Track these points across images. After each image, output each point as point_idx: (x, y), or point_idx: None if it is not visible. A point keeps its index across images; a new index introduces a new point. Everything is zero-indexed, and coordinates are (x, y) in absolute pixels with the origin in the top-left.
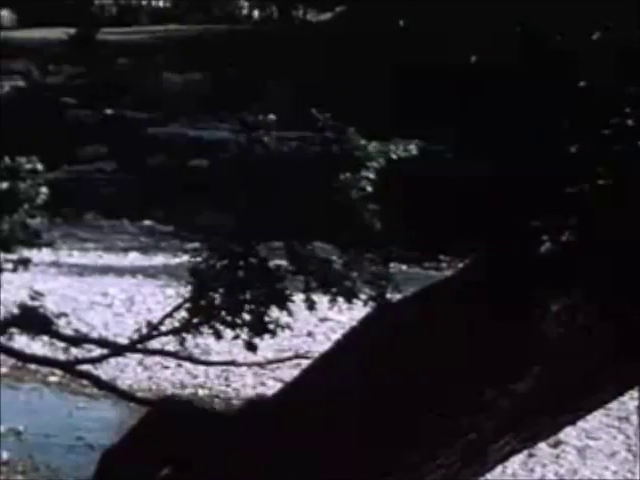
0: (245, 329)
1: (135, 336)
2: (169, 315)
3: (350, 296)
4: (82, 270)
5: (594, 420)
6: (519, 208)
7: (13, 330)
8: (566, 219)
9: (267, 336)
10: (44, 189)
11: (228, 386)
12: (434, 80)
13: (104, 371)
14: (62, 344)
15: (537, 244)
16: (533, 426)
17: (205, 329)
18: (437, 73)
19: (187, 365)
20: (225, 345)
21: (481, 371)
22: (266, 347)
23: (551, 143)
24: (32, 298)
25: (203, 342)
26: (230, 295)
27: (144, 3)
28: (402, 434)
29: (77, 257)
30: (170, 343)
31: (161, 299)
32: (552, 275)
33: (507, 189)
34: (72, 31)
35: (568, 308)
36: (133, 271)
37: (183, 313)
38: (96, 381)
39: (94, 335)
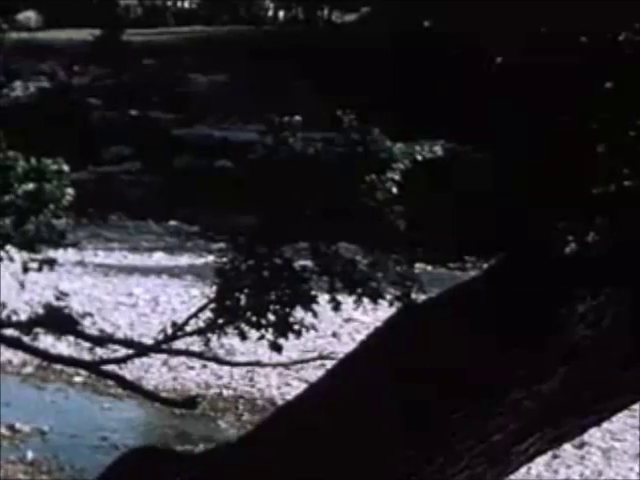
0: (270, 329)
1: (160, 336)
2: (194, 315)
3: (375, 297)
4: (107, 270)
5: (619, 421)
6: (546, 209)
7: (38, 330)
8: (592, 220)
9: (292, 336)
10: (70, 190)
11: (253, 386)
12: (462, 81)
13: (129, 371)
14: (87, 344)
15: (563, 245)
16: (558, 427)
17: (230, 329)
18: (465, 73)
19: (212, 365)
20: (250, 345)
21: (507, 372)
22: (291, 347)
23: (578, 143)
24: (57, 298)
25: (228, 342)
26: (255, 296)
27: (169, 4)
28: (428, 435)
29: (102, 257)
30: (195, 343)
31: (186, 299)
32: (578, 276)
33: (533, 190)
34: (98, 32)
35: (594, 309)
36: (158, 271)
37: (208, 313)
38: (121, 381)
39: (119, 335)
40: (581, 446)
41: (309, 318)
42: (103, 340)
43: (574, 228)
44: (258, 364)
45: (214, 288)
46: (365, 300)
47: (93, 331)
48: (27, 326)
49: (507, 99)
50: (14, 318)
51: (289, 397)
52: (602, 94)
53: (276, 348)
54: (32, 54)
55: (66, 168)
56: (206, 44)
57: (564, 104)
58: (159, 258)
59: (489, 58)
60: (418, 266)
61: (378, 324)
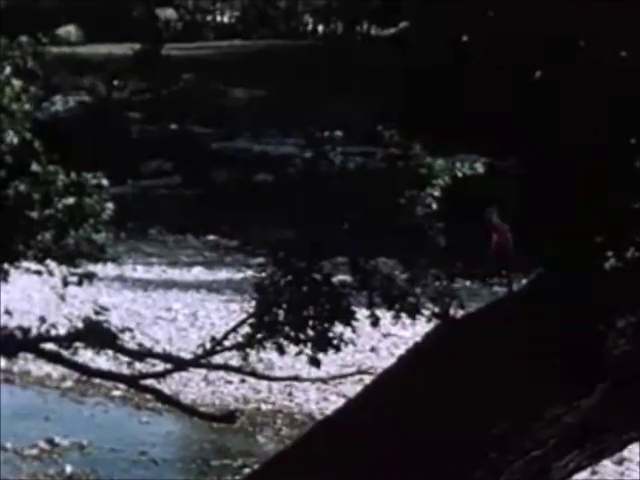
0: (309, 344)
1: (199, 351)
2: (233, 330)
3: (414, 312)
4: (146, 285)
5: None
6: (585, 224)
7: (78, 344)
8: (631, 235)
9: (331, 351)
10: (109, 204)
11: (291, 401)
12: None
13: (167, 386)
14: (126, 359)
15: (602, 260)
16: (598, 443)
17: (269, 344)
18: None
19: (250, 380)
20: (288, 360)
21: (546, 387)
22: (329, 362)
23: (617, 158)
24: (97, 312)
25: (266, 357)
26: (294, 311)
27: (209, 19)
28: (467, 450)
29: (141, 272)
30: (233, 358)
31: (225, 314)
32: (617, 291)
33: (572, 205)
34: (137, 46)
35: (633, 324)
36: (197, 286)
37: (247, 328)
38: (160, 396)
39: (158, 350)
40: (621, 462)
41: (348, 333)
42: (142, 354)
43: (613, 243)
44: (297, 379)
45: (253, 303)
46: (403, 315)
47: (132, 345)
48: (66, 340)
49: (547, 113)
50: (53, 332)
51: (328, 412)
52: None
53: (315, 363)
54: (72, 68)
55: (106, 182)
56: (245, 58)
57: (604, 119)
58: (198, 273)
59: (530, 72)
60: (457, 281)
61: (417, 339)
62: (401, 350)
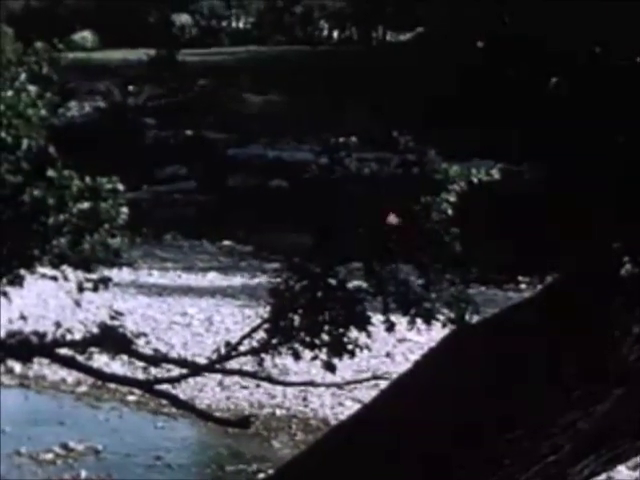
0: (324, 349)
1: (214, 356)
2: (248, 335)
3: (429, 317)
4: (161, 290)
5: None
6: (601, 230)
7: (93, 349)
8: None
9: (346, 357)
10: (125, 209)
11: (306, 406)
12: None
13: (183, 391)
14: (141, 364)
15: (618, 266)
16: (613, 448)
17: (284, 349)
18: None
19: (265, 385)
20: (303, 365)
21: (561, 393)
22: (344, 368)
23: (634, 167)
24: (112, 317)
25: (281, 362)
26: (309, 316)
27: (224, 24)
28: (482, 456)
29: (157, 277)
30: (248, 363)
31: (240, 319)
32: (633, 297)
33: (589, 211)
34: (153, 52)
35: None
36: (212, 291)
37: (262, 333)
38: (175, 401)
39: (173, 355)
40: (636, 468)
41: (363, 338)
42: (157, 359)
43: (630, 248)
44: (312, 384)
45: (268, 308)
46: (419, 320)
47: (147, 350)
48: (81, 345)
49: (565, 119)
50: (69, 337)
51: (342, 417)
52: None
53: (330, 368)
54: (88, 74)
55: (121, 187)
56: (260, 64)
57: (622, 124)
58: (213, 278)
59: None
60: (472, 286)
61: (432, 344)
62: (416, 355)
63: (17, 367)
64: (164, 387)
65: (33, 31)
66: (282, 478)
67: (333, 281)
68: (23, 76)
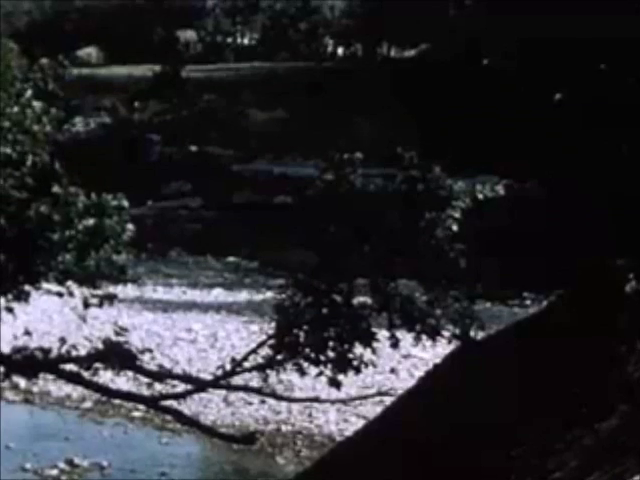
0: (329, 366)
1: (219, 372)
2: (253, 351)
3: (434, 334)
4: (166, 306)
5: None
6: (605, 247)
7: (98, 365)
8: None
9: (351, 373)
10: (130, 225)
11: (311, 422)
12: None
13: (187, 406)
14: (146, 379)
15: (623, 282)
16: (618, 465)
17: (289, 365)
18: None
19: (270, 401)
20: (308, 381)
21: (566, 410)
22: (349, 384)
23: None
24: (117, 333)
25: (286, 378)
26: (314, 332)
27: (229, 40)
28: (487, 472)
29: (162, 293)
30: (253, 379)
31: (245, 335)
32: (637, 314)
33: (593, 228)
34: (158, 68)
35: None
36: (217, 307)
37: (267, 349)
38: (180, 416)
39: (178, 371)
40: None
41: (368, 354)
42: (162, 375)
43: (634, 265)
44: (317, 400)
45: (273, 324)
46: (424, 337)
47: (152, 366)
48: (87, 361)
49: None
50: (74, 353)
51: (348, 433)
52: None
53: (335, 384)
54: (93, 90)
55: (126, 204)
56: (265, 80)
57: (626, 139)
58: (218, 294)
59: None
60: (477, 303)
61: (437, 361)
62: (421, 371)
63: (22, 383)
64: (169, 403)
65: (38, 47)
66: None
67: (338, 297)
68: (29, 92)
